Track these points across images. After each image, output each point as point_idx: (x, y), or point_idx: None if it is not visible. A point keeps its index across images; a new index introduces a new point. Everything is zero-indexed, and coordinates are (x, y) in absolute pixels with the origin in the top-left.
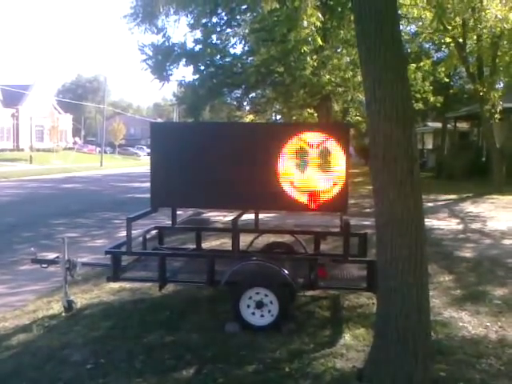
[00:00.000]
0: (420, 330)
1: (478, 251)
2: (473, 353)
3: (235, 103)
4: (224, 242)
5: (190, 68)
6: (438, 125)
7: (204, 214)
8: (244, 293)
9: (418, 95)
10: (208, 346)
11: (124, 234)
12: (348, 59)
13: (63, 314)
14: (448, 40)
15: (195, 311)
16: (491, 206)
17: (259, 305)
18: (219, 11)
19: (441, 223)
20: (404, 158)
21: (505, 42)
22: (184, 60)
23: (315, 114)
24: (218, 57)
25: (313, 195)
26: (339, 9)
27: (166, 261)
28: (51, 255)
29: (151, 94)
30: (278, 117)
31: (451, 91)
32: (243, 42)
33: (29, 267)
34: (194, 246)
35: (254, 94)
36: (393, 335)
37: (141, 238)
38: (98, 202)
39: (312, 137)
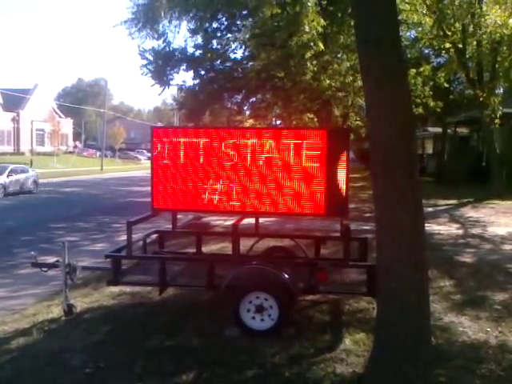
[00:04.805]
0: (420, 335)
1: (478, 256)
2: (473, 358)
3: (235, 108)
4: (224, 246)
5: (191, 73)
6: (438, 130)
7: (204, 218)
8: (244, 297)
9: (418, 100)
10: (208, 350)
11: (124, 237)
12: (348, 64)
13: (63, 318)
14: (448, 45)
15: (195, 315)
16: (491, 211)
17: (259, 309)
18: (219, 16)
19: (441, 228)
20: (404, 163)
21: (504, 48)
22: (184, 65)
23: (315, 119)
24: (219, 62)
25: (313, 200)
26: (339, 14)
27: (166, 265)
28: (51, 259)
29: (152, 98)
30: (278, 121)
31: (451, 96)
32: (243, 47)
33: (29, 271)
34: (195, 250)
35: (254, 99)
36: (393, 340)
37: (141, 242)
38: (98, 205)
39: (311, 141)
